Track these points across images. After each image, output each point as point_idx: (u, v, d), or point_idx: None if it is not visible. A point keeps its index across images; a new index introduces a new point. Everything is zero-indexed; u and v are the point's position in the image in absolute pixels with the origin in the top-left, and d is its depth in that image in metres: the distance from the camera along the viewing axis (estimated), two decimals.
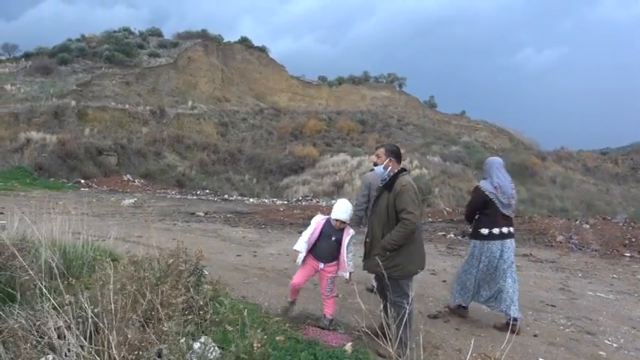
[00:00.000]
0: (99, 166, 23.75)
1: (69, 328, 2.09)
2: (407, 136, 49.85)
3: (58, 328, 2.03)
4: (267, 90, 52.49)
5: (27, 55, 37.25)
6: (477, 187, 4.92)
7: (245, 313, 2.84)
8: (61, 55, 36.12)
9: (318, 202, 23.22)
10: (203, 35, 47.94)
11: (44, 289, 2.56)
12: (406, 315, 3.20)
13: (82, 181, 20.97)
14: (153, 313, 2.33)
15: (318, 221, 4.42)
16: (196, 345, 2.14)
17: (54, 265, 2.94)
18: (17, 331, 2.34)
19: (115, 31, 43.67)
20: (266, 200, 22.66)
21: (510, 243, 4.74)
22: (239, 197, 22.96)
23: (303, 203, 21.49)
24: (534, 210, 28.25)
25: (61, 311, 2.33)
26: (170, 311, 2.12)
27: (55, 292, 2.62)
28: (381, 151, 4.18)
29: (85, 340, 2.12)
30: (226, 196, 22.64)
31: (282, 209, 16.88)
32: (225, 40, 50.97)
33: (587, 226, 11.98)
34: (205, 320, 2.46)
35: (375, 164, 4.24)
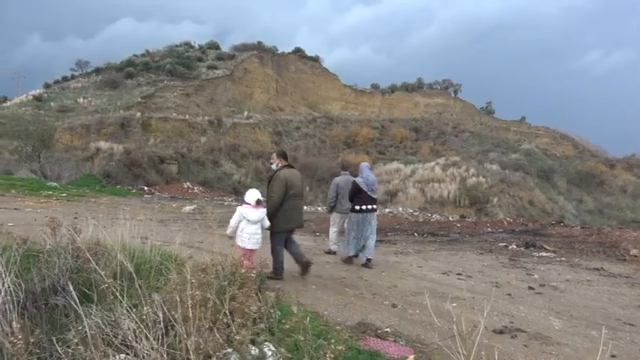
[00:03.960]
0: (161, 174, 24.86)
1: (142, 329, 2.16)
2: (463, 144, 48.52)
3: (133, 330, 2.10)
4: (320, 99, 53.00)
5: (97, 71, 39.88)
6: (354, 181, 7.68)
7: (308, 321, 2.82)
8: (127, 70, 38.36)
9: None
10: (258, 47, 49.26)
11: (117, 292, 2.66)
12: (280, 258, 5.96)
13: (146, 188, 21.99)
14: (219, 317, 2.36)
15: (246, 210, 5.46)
16: (269, 353, 2.15)
17: (127, 268, 3.06)
18: (94, 330, 2.43)
19: (176, 46, 45.79)
20: (319, 208, 22.75)
21: (373, 214, 7.67)
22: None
23: None
24: (603, 221, 26.57)
25: (133, 313, 2.41)
26: (241, 318, 2.14)
27: (127, 294, 2.72)
28: (274, 155, 6.28)
29: (156, 341, 2.18)
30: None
31: None
32: (279, 51, 52.05)
33: None
34: (271, 328, 2.47)
35: (291, 166, 6.24)
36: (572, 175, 40.29)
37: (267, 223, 5.61)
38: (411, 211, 23.30)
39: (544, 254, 10.13)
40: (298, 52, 54.16)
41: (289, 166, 6.07)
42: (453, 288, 6.28)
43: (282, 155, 6.13)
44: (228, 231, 5.53)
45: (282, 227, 5.84)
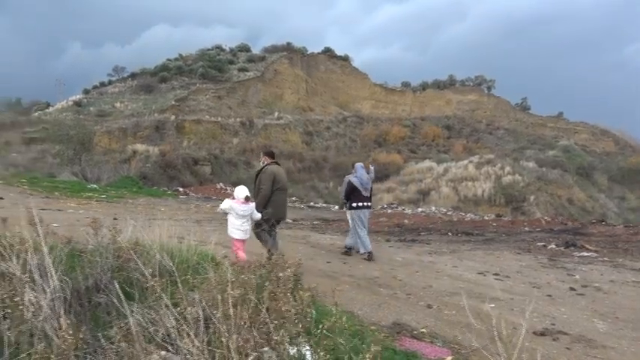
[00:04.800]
0: (195, 175, 25.38)
1: (183, 326, 2.20)
2: (497, 141, 47.43)
3: (175, 327, 2.15)
4: (350, 98, 52.87)
5: (133, 76, 41.07)
6: (349, 181, 8.24)
7: (344, 321, 2.81)
8: (161, 74, 39.35)
9: (403, 209, 22.81)
10: (288, 48, 49.55)
11: (159, 290, 2.73)
12: (269, 245, 6.10)
13: (180, 189, 22.49)
14: (257, 316, 2.38)
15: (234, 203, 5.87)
16: (307, 353, 2.15)
17: (167, 267, 3.13)
18: (135, 327, 2.49)
19: (208, 49, 46.62)
20: None
21: (367, 210, 8.30)
22: (324, 204, 23.25)
23: (389, 211, 21.23)
24: None
25: (174, 311, 2.46)
26: (279, 317, 2.15)
27: (166, 293, 2.79)
28: (261, 154, 6.93)
29: (197, 338, 2.22)
30: (312, 203, 23.04)
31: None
32: (309, 52, 52.21)
33: None
34: (308, 327, 2.47)
35: (277, 163, 6.80)
36: (614, 172, 38.76)
37: (258, 216, 6.02)
38: (445, 210, 22.95)
39: (585, 254, 9.78)
40: (328, 52, 54.13)
41: (276, 162, 6.70)
42: (490, 289, 6.14)
43: (268, 154, 6.79)
44: (218, 209, 6.20)
45: (271, 217, 6.32)
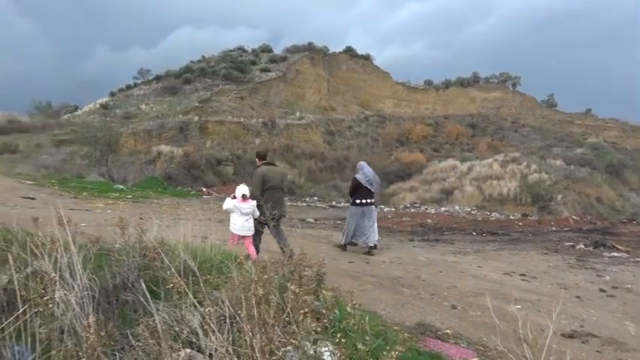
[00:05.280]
0: (218, 176, 25.67)
1: (208, 325, 2.23)
2: (523, 139, 46.47)
3: (200, 326, 2.18)
4: (372, 97, 52.62)
5: (157, 78, 41.76)
6: (354, 178, 8.65)
7: (367, 321, 2.80)
8: (185, 76, 39.92)
9: (426, 209, 22.58)
10: (309, 48, 49.60)
11: (183, 289, 2.76)
12: (283, 242, 6.59)
13: (204, 189, 22.79)
14: (280, 315, 2.39)
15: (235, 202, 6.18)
16: (326, 354, 2.15)
17: (191, 266, 3.17)
18: (161, 325, 2.54)
19: (230, 51, 47.08)
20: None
21: (371, 207, 8.50)
22: (346, 204, 23.18)
23: (412, 210, 21.05)
24: None
25: (199, 309, 2.50)
26: (302, 317, 2.15)
27: (191, 291, 2.82)
28: (255, 156, 7.32)
29: (221, 337, 2.24)
30: (334, 202, 23.03)
31: (390, 217, 16.69)
32: (330, 51, 52.17)
33: None
34: (331, 327, 2.47)
35: (271, 163, 7.10)
36: None
37: (257, 213, 6.34)
38: (469, 209, 22.63)
39: (616, 254, 9.51)
40: (349, 51, 53.97)
41: (268, 163, 7.03)
42: (516, 289, 6.03)
43: (259, 155, 7.14)
44: (224, 207, 6.36)
45: (266, 215, 6.67)
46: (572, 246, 10.61)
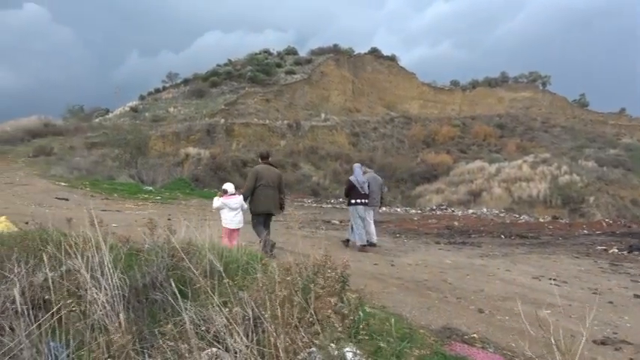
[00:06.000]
0: (244, 177, 25.88)
1: (233, 325, 2.26)
2: (553, 139, 45.33)
3: (226, 326, 2.21)
4: (397, 98, 52.25)
5: (185, 82, 42.50)
6: (349, 179, 9.21)
7: (392, 323, 2.79)
8: (212, 79, 40.52)
9: (453, 211, 22.26)
10: (335, 50, 49.63)
11: (208, 289, 2.81)
12: (262, 237, 6.60)
13: None
14: (304, 316, 2.40)
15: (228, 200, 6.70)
16: (349, 355, 2.15)
17: (217, 267, 3.22)
18: (188, 324, 2.59)
19: (256, 54, 47.52)
20: (398, 209, 22.45)
21: (364, 207, 9.05)
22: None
23: (438, 212, 20.80)
24: None
25: (224, 309, 2.54)
26: (325, 318, 2.16)
27: (217, 291, 2.87)
28: (258, 156, 7.93)
29: (246, 337, 2.27)
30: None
31: (416, 218, 16.54)
32: (355, 53, 52.08)
33: None
34: (354, 329, 2.47)
35: (269, 163, 7.60)
36: None
37: (245, 206, 6.88)
38: (497, 211, 22.20)
39: None
40: (374, 52, 53.73)
41: (267, 163, 7.48)
42: (545, 294, 5.88)
43: (261, 156, 7.76)
44: (214, 206, 6.83)
45: (255, 211, 7.15)
46: (605, 250, 10.28)
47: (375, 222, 10.05)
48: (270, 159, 7.67)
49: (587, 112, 55.43)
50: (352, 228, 9.08)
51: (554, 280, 6.95)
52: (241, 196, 6.81)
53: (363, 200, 9.00)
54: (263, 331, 2.25)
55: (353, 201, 9.02)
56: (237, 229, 6.75)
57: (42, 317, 2.57)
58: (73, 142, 27.63)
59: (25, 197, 14.41)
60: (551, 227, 14.75)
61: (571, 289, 6.40)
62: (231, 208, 6.66)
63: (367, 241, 8.97)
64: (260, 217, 7.27)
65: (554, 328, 3.15)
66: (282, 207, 7.54)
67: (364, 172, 9.63)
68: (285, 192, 8.43)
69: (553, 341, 2.80)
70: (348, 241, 9.31)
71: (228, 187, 6.85)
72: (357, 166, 9.41)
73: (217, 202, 6.74)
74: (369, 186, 9.22)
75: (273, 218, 7.70)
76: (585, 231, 13.79)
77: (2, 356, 2.36)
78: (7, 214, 7.93)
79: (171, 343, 2.34)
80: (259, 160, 7.72)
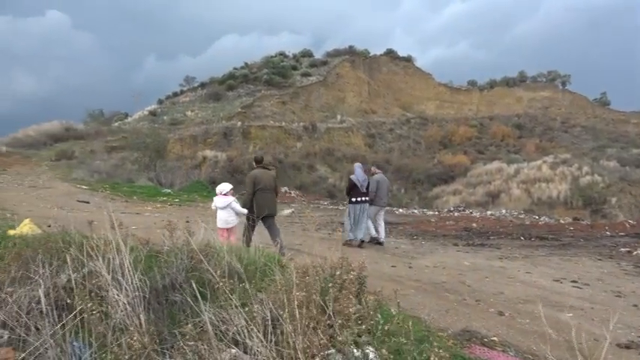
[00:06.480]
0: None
1: (252, 327, 2.28)
2: (574, 139, 44.54)
3: (245, 327, 2.23)
4: (413, 99, 51.95)
5: (202, 85, 42.94)
6: (350, 178, 9.54)
7: (410, 325, 2.77)
8: (228, 82, 40.85)
9: (471, 212, 22.01)
10: (350, 51, 49.59)
11: (227, 291, 2.84)
12: (246, 237, 6.91)
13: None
14: (322, 318, 2.40)
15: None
16: (371, 355, 2.15)
17: (236, 269, 3.25)
18: (209, 325, 2.61)
19: (271, 56, 47.75)
20: (415, 211, 22.29)
21: (365, 205, 9.27)
22: (387, 207, 22.97)
23: (456, 214, 20.58)
24: None
25: (242, 310, 2.55)
26: (344, 320, 2.16)
27: (235, 293, 2.89)
28: (253, 161, 7.97)
29: (265, 338, 2.28)
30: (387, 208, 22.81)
31: (433, 220, 16.40)
32: (371, 54, 51.95)
33: None
34: (373, 331, 2.47)
35: (265, 167, 7.83)
36: None
37: (238, 208, 7.06)
38: (516, 213, 21.87)
39: None
40: (390, 53, 53.53)
41: (262, 167, 7.70)
42: (567, 297, 5.78)
43: (256, 160, 7.89)
44: (212, 207, 7.21)
45: (256, 214, 7.14)
46: (629, 252, 10.05)
47: (394, 224, 10.17)
48: (263, 162, 7.95)
49: (608, 111, 54.31)
50: (350, 226, 9.37)
51: (575, 282, 6.83)
52: (230, 197, 7.03)
53: (363, 198, 9.35)
54: (281, 333, 2.25)
55: (354, 199, 9.35)
56: (225, 229, 6.95)
57: (65, 318, 2.62)
58: (93, 146, 28.15)
59: (48, 200, 14.73)
60: (572, 229, 14.48)
61: (593, 292, 6.27)
62: (220, 208, 7.00)
63: (368, 238, 9.53)
64: (258, 220, 7.43)
65: (577, 332, 3.10)
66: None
67: (373, 174, 10.09)
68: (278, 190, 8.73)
69: (575, 345, 2.75)
70: (362, 242, 9.40)
71: (219, 187, 7.21)
72: (357, 165, 9.79)
73: (213, 203, 7.20)
74: (378, 187, 9.73)
75: (278, 220, 8.02)
76: (608, 232, 13.50)
77: (28, 355, 2.42)
78: (31, 216, 8.12)
79: (191, 344, 2.36)
80: (254, 164, 7.93)
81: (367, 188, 9.44)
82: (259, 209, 7.22)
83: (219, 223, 6.95)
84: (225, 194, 7.06)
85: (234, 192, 7.36)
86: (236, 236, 7.02)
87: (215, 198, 7.16)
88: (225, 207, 6.98)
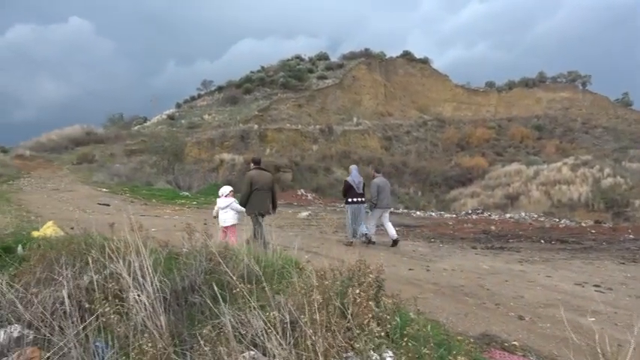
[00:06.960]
0: (277, 182, 26.17)
1: (271, 329, 2.29)
2: (595, 141, 43.67)
3: (264, 330, 2.25)
4: (430, 101, 51.60)
5: (219, 89, 43.37)
6: (346, 180, 9.93)
7: (429, 329, 2.75)
8: (245, 86, 41.20)
9: (489, 215, 21.72)
10: (366, 54, 49.56)
11: (246, 294, 2.86)
12: (260, 235, 7.14)
13: None
14: (341, 321, 2.40)
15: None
16: (389, 359, 2.14)
17: (255, 272, 3.27)
18: (228, 327, 2.63)
19: (288, 60, 48.00)
20: (432, 213, 22.09)
21: (361, 205, 9.67)
22: (404, 210, 22.83)
23: (474, 217, 20.33)
24: None
25: (261, 313, 2.57)
26: (362, 323, 2.16)
27: (254, 295, 2.91)
28: (250, 162, 8.42)
29: (284, 341, 2.29)
30: (392, 209, 22.71)
31: (450, 223, 16.23)
32: (387, 56, 51.81)
33: None
34: (391, 335, 2.46)
35: (261, 168, 8.11)
36: None
37: (238, 207, 7.51)
38: (536, 215, 21.51)
39: None
40: (406, 55, 53.31)
41: (259, 168, 8.00)
42: (589, 301, 5.66)
43: (253, 161, 8.26)
44: (214, 213, 7.76)
45: (250, 211, 7.58)
46: None
47: (411, 227, 10.18)
48: (261, 164, 8.26)
49: (630, 111, 53.13)
50: (350, 227, 9.71)
51: (598, 286, 6.69)
52: (230, 199, 7.50)
53: (358, 199, 9.69)
54: (300, 336, 2.26)
55: (350, 200, 9.68)
56: (228, 227, 7.45)
57: (88, 318, 2.67)
58: (113, 150, 28.65)
59: (70, 203, 15.02)
60: (593, 232, 14.18)
61: (616, 296, 6.13)
62: (220, 208, 7.52)
63: (366, 237, 9.73)
64: (257, 217, 7.81)
65: (600, 337, 3.03)
66: (274, 207, 8.12)
67: (374, 177, 10.37)
68: (277, 191, 9.14)
69: (599, 350, 2.70)
70: (370, 240, 9.69)
71: (221, 190, 7.75)
72: (353, 167, 10.31)
73: (215, 207, 7.70)
74: (379, 190, 9.94)
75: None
76: (631, 236, 13.17)
77: (53, 355, 2.47)
78: (55, 218, 8.30)
79: (210, 346, 2.38)
80: (252, 165, 8.24)
81: (363, 189, 9.82)
82: (252, 207, 7.66)
83: (221, 221, 7.50)
84: (226, 196, 7.55)
85: (234, 192, 7.79)
86: (235, 236, 7.32)
87: (217, 200, 7.65)
88: (226, 207, 7.45)
